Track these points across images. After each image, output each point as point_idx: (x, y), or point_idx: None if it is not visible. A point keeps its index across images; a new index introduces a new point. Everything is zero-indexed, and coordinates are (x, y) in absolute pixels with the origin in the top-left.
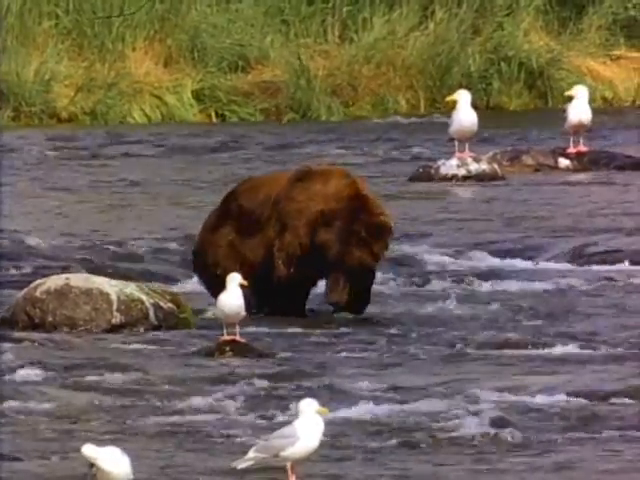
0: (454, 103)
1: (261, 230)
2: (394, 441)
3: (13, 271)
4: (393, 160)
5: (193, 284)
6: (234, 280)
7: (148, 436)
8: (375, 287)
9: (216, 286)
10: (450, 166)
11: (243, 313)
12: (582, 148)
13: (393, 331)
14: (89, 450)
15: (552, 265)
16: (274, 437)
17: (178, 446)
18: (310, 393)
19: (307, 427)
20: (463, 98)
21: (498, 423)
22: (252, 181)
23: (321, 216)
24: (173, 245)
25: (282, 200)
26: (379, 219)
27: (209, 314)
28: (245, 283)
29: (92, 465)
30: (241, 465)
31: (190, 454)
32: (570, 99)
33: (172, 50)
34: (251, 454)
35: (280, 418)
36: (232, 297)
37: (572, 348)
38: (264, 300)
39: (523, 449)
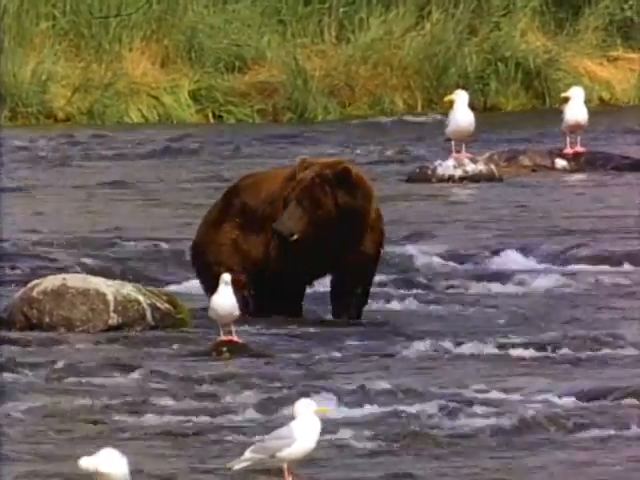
0: (451, 103)
1: (263, 228)
2: (394, 441)
3: (10, 271)
4: (390, 161)
5: (189, 284)
6: (226, 280)
7: (145, 437)
8: (372, 288)
9: (217, 285)
10: (447, 167)
11: (236, 313)
12: (579, 149)
13: (391, 331)
14: (86, 463)
15: (549, 266)
16: (271, 438)
17: (175, 447)
18: (307, 393)
19: (304, 428)
20: (460, 98)
21: (499, 423)
22: (254, 177)
23: None
24: (169, 246)
25: (276, 200)
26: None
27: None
28: (230, 282)
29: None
30: (237, 466)
31: (187, 454)
32: (566, 100)
33: (169, 50)
34: (247, 455)
35: (277, 419)
36: (224, 298)
37: (572, 349)
38: (265, 299)
39: (524, 449)
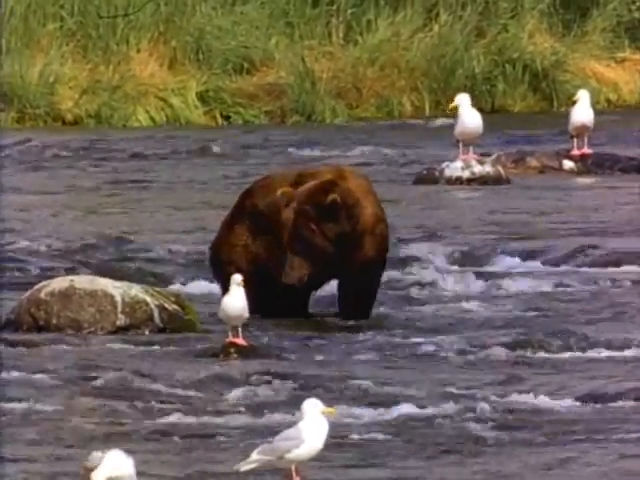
0: (456, 109)
1: (271, 231)
2: (398, 443)
3: (17, 273)
4: (397, 162)
5: (198, 286)
6: (237, 282)
7: (152, 438)
8: (379, 288)
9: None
10: (454, 168)
11: (246, 315)
12: (586, 150)
13: (397, 333)
14: (97, 477)
15: (556, 267)
16: (279, 439)
17: (182, 448)
18: (314, 395)
19: (312, 428)
20: (463, 102)
21: (500, 424)
22: (267, 179)
23: None
24: (178, 247)
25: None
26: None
27: (214, 316)
28: (242, 283)
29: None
30: (244, 467)
31: (194, 456)
32: (574, 103)
33: (177, 52)
34: (255, 456)
35: (285, 420)
36: (235, 299)
37: (574, 350)
38: (273, 301)
39: (525, 450)
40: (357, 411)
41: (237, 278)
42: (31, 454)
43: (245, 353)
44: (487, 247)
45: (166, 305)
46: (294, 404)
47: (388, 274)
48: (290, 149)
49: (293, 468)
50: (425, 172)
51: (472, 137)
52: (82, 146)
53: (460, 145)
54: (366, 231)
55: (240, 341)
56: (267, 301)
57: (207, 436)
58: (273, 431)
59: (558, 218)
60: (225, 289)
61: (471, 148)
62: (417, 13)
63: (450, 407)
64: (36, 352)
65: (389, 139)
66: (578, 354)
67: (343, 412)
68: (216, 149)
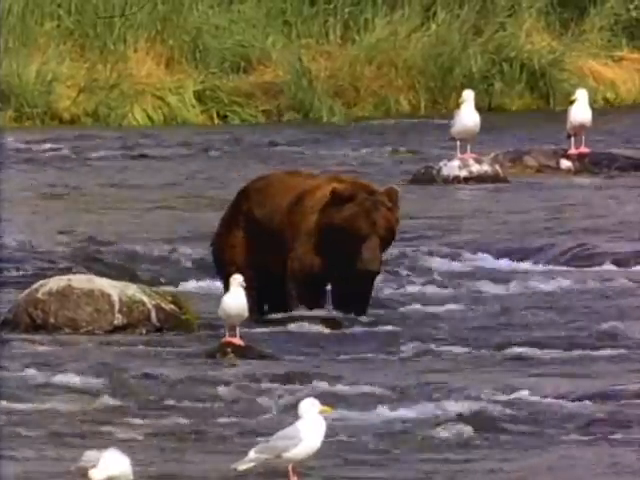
0: (460, 104)
1: (264, 235)
2: (396, 442)
3: (15, 272)
4: (395, 161)
5: (194, 285)
6: (237, 281)
7: (149, 437)
8: (376, 288)
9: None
10: (452, 167)
11: (245, 314)
12: (584, 149)
13: (395, 332)
14: (90, 462)
15: (553, 267)
16: (276, 438)
17: (178, 447)
18: (312, 394)
19: (309, 428)
20: (469, 98)
21: (500, 424)
22: (264, 180)
23: None
24: (175, 246)
25: (282, 222)
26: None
27: (211, 315)
28: (243, 284)
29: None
30: (242, 466)
31: (190, 455)
32: (573, 102)
33: (174, 51)
34: (252, 455)
35: (282, 419)
36: (235, 299)
37: (572, 349)
38: (271, 300)
39: (526, 450)
40: (355, 411)
41: (237, 278)
42: (28, 453)
43: (242, 353)
44: (484, 246)
45: (163, 305)
46: (291, 403)
47: (384, 274)
48: (287, 148)
49: (290, 468)
50: (422, 171)
51: (469, 136)
52: (79, 145)
53: (458, 144)
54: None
55: (237, 341)
56: (266, 301)
57: (204, 435)
58: (270, 430)
59: (555, 217)
60: (227, 288)
61: (468, 147)
62: (414, 12)
63: (449, 406)
64: (33, 351)
65: (386, 138)
66: (577, 353)
67: (340, 412)
68: (213, 148)
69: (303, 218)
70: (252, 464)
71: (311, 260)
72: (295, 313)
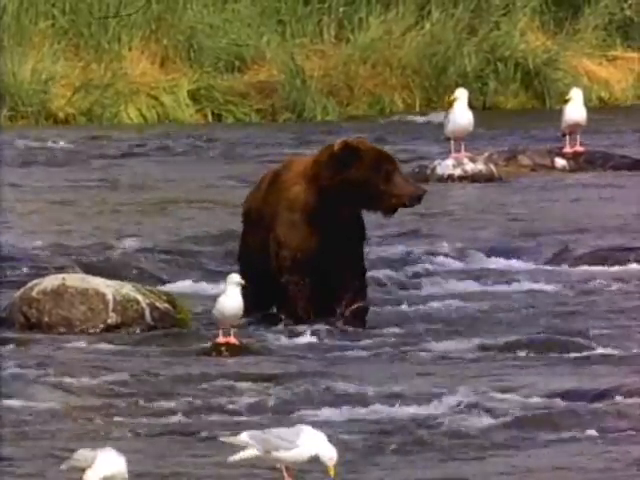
0: (453, 103)
1: (266, 226)
2: (395, 443)
3: (9, 271)
4: None
5: (189, 284)
6: (233, 281)
7: (144, 436)
8: (371, 287)
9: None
10: (446, 166)
11: (241, 314)
12: (578, 148)
13: (391, 332)
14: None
15: (548, 266)
16: (275, 433)
17: (173, 447)
18: (308, 394)
19: (310, 438)
20: (462, 97)
21: (500, 424)
22: (267, 174)
23: None
24: (169, 245)
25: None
26: None
27: (205, 314)
28: (242, 282)
29: None
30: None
31: (185, 455)
32: (567, 102)
33: (168, 50)
34: (244, 437)
35: (277, 419)
36: (231, 299)
37: (570, 348)
38: (267, 298)
39: (526, 450)
40: (352, 411)
41: (234, 277)
42: (24, 452)
43: (237, 352)
44: (478, 245)
45: (157, 304)
46: (287, 403)
47: (379, 273)
48: (281, 147)
49: (283, 467)
50: (417, 170)
51: (463, 135)
52: (74, 144)
53: (452, 143)
54: None
55: (232, 340)
56: (263, 298)
57: (198, 434)
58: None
59: (550, 216)
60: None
61: (463, 146)
62: (409, 11)
63: (449, 406)
64: (27, 350)
65: (380, 137)
66: (576, 353)
67: (337, 410)
68: (207, 147)
69: (281, 194)
70: (245, 457)
71: (297, 236)
72: (290, 311)
